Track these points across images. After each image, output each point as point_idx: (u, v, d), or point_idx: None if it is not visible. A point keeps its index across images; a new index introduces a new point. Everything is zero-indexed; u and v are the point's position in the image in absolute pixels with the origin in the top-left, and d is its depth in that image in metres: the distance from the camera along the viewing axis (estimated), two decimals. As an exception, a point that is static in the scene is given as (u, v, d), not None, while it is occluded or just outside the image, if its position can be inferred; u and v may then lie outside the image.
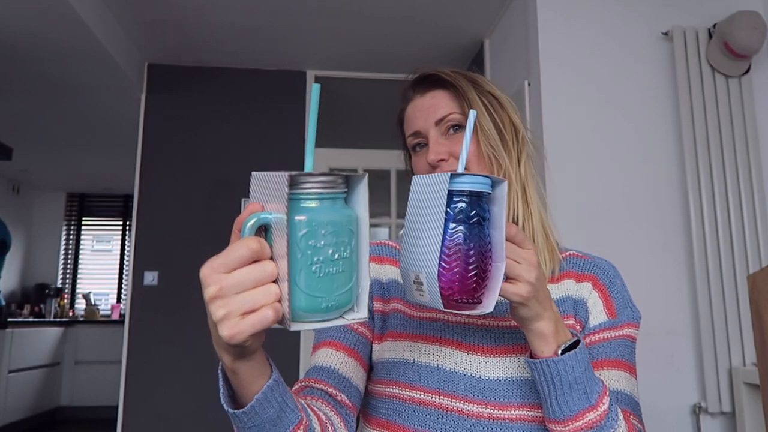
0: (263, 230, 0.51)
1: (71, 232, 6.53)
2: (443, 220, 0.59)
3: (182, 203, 3.53)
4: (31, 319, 5.43)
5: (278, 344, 2.19)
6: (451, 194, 0.60)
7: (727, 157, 2.35)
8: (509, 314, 0.78)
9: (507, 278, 0.64)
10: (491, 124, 0.85)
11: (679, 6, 2.52)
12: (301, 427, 0.63)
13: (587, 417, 0.67)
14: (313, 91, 0.53)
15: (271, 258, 0.49)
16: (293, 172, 0.49)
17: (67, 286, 6.38)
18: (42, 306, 5.84)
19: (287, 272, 0.47)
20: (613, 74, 2.45)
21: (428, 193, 0.61)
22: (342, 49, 3.46)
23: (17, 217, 5.90)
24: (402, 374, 0.80)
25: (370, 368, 0.87)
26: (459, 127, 0.86)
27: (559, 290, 0.86)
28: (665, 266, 2.34)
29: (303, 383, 0.81)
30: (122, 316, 5.19)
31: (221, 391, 0.59)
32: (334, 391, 0.78)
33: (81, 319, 5.83)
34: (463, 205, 0.60)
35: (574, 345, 0.68)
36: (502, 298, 0.65)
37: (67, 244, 6.48)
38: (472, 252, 0.60)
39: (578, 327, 0.85)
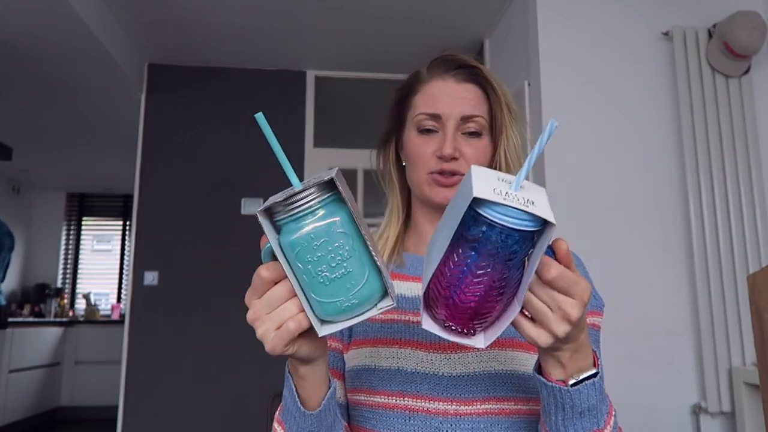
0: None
1: (71, 232, 6.52)
2: (452, 234, 0.52)
3: (182, 203, 3.53)
4: (31, 319, 5.42)
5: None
6: (482, 217, 0.51)
7: (727, 157, 2.35)
8: None
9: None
10: (513, 139, 0.85)
11: (679, 6, 2.52)
12: None
13: None
14: (260, 121, 0.55)
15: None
16: (263, 206, 0.53)
17: (67, 286, 6.38)
18: (42, 306, 5.84)
19: (298, 288, 0.54)
20: (613, 74, 2.45)
21: (461, 195, 0.53)
22: (342, 49, 3.46)
23: (17, 217, 5.90)
24: (365, 381, 0.80)
25: None
26: (478, 133, 0.84)
27: None
28: (665, 266, 2.34)
29: None
30: (122, 316, 5.19)
31: (293, 395, 0.65)
32: None
33: (81, 319, 5.83)
34: (489, 233, 0.51)
35: (593, 373, 0.61)
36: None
37: (67, 244, 6.48)
38: (480, 283, 0.53)
39: None
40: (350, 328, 0.85)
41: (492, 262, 0.52)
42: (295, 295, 0.55)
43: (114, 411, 3.39)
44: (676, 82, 2.41)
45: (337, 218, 0.53)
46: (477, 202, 0.50)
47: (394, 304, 0.55)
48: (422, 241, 0.90)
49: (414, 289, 0.85)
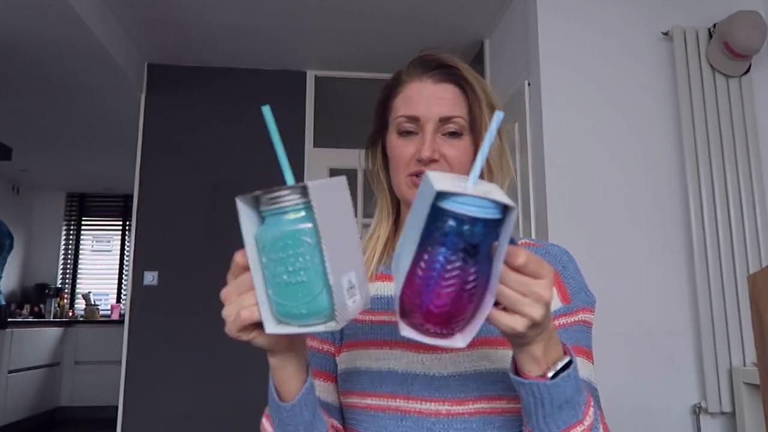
0: None
1: (71, 232, 6.52)
2: (418, 237, 0.52)
3: (182, 203, 3.53)
4: (31, 319, 5.42)
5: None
6: (446, 211, 0.51)
7: (727, 157, 2.35)
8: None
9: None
10: (495, 142, 0.84)
11: (679, 6, 2.52)
12: None
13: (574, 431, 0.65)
14: (265, 114, 0.55)
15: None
16: (248, 194, 0.54)
17: (67, 286, 6.38)
18: (42, 306, 5.84)
19: (258, 282, 0.56)
20: (613, 74, 2.45)
21: (421, 198, 0.53)
22: (342, 49, 3.46)
23: (17, 217, 5.90)
24: (357, 383, 0.80)
25: None
26: (458, 133, 0.83)
27: None
28: (665, 266, 2.34)
29: None
30: (122, 316, 5.18)
31: (270, 384, 0.68)
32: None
33: (81, 319, 5.83)
34: (455, 226, 0.51)
35: (567, 364, 0.62)
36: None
37: (67, 244, 6.48)
38: (452, 281, 0.52)
39: None
40: (341, 330, 0.84)
41: (462, 257, 0.52)
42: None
43: (114, 411, 3.39)
44: (676, 82, 2.41)
45: (308, 225, 0.53)
46: (439, 198, 0.51)
47: (338, 327, 0.55)
48: None
49: None
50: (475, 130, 0.83)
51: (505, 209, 0.52)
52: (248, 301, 0.57)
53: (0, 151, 4.09)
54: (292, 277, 0.53)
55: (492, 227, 0.52)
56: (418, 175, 0.82)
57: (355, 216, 0.88)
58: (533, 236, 2.42)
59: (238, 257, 0.58)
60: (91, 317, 5.84)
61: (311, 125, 3.69)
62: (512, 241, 0.55)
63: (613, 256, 2.31)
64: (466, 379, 0.76)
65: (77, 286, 6.43)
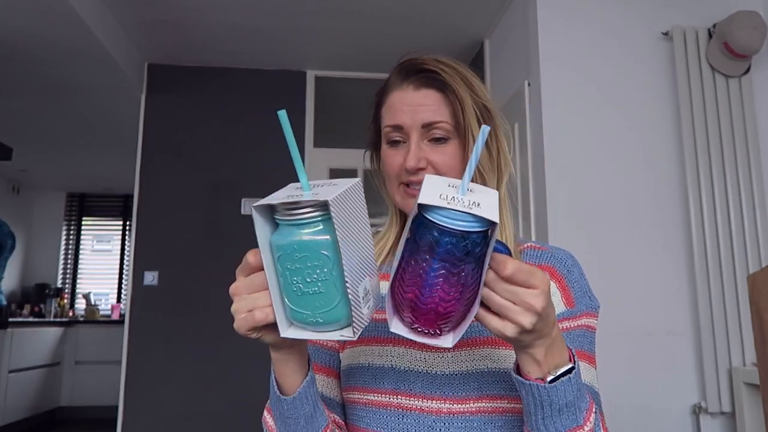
0: None
1: (71, 232, 6.53)
2: (404, 241, 0.55)
3: (182, 203, 3.53)
4: (31, 319, 5.42)
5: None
6: (430, 221, 0.53)
7: (727, 157, 2.35)
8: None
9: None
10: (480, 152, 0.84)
11: (679, 6, 2.52)
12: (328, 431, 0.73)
13: None
14: (281, 118, 0.54)
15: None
16: (263, 201, 0.54)
17: (67, 286, 6.38)
18: (42, 306, 5.84)
19: (272, 285, 0.56)
20: (613, 74, 2.45)
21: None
22: (342, 49, 3.46)
23: (17, 217, 5.90)
24: (359, 379, 0.81)
25: None
26: (443, 138, 0.81)
27: None
28: (665, 266, 2.34)
29: None
30: (122, 316, 5.19)
31: (272, 378, 0.69)
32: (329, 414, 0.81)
33: (81, 319, 5.83)
34: (438, 237, 0.53)
35: (570, 369, 0.63)
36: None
37: (67, 244, 6.48)
38: (437, 286, 0.54)
39: None
40: None
41: (446, 265, 0.53)
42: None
43: (114, 411, 3.39)
44: (676, 82, 2.41)
45: (326, 238, 0.53)
46: (424, 208, 0.53)
47: (354, 338, 0.56)
48: None
49: None
50: (460, 133, 0.82)
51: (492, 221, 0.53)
52: (262, 301, 0.57)
53: (0, 151, 4.09)
54: (308, 288, 0.54)
55: (479, 238, 0.54)
56: (408, 184, 0.82)
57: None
58: (533, 236, 2.42)
59: (250, 256, 0.58)
60: (92, 317, 5.84)
61: (311, 125, 3.69)
62: (506, 250, 0.58)
63: (613, 256, 2.31)
64: (467, 378, 0.76)
65: (77, 286, 6.43)
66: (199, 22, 3.14)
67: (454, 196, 0.53)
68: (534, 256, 0.85)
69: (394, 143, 0.84)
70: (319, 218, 0.53)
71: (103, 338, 5.52)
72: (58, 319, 5.64)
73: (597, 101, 2.42)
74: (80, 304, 6.20)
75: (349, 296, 0.53)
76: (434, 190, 0.54)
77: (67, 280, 6.41)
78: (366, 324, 0.57)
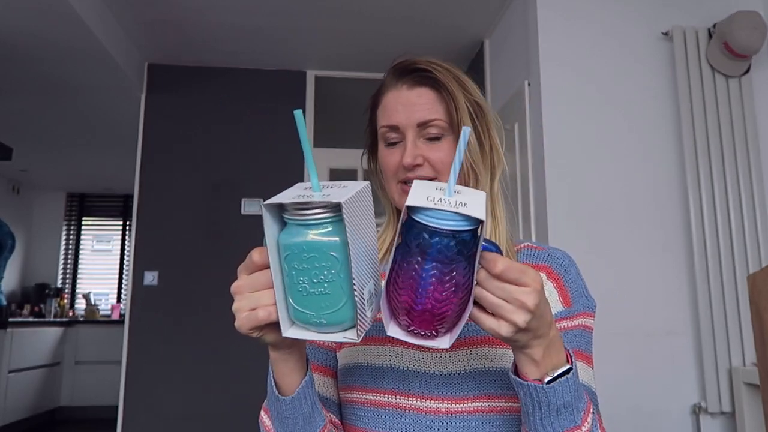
0: None
1: (71, 232, 6.53)
2: (395, 246, 0.56)
3: (182, 203, 3.53)
4: (31, 319, 5.42)
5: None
6: (419, 223, 0.54)
7: (727, 157, 2.35)
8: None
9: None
10: (475, 137, 0.84)
11: (679, 6, 2.52)
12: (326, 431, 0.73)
13: None
14: (297, 118, 0.54)
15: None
16: (273, 200, 0.53)
17: (67, 286, 6.38)
18: (42, 306, 5.84)
19: (277, 284, 0.56)
20: (613, 74, 2.45)
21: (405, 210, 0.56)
22: (342, 49, 3.46)
23: (17, 217, 5.90)
24: (357, 378, 0.81)
25: None
26: (437, 137, 0.83)
27: None
28: (665, 266, 2.34)
29: None
30: (122, 316, 5.19)
31: (270, 378, 0.69)
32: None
33: (81, 319, 5.83)
34: (428, 238, 0.54)
35: (567, 370, 0.63)
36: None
37: (67, 244, 6.48)
38: (430, 287, 0.55)
39: None
40: None
41: (437, 265, 0.54)
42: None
43: (114, 411, 3.39)
44: (676, 82, 2.41)
45: (336, 239, 0.53)
46: (413, 210, 0.54)
47: (358, 341, 0.56)
48: None
49: None
50: (455, 130, 0.83)
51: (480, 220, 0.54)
52: (265, 300, 0.57)
53: (0, 151, 4.09)
54: (314, 288, 0.54)
55: (467, 237, 0.54)
56: (406, 182, 0.83)
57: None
58: (533, 236, 2.42)
59: (255, 255, 0.57)
60: (92, 317, 5.84)
61: (311, 125, 3.69)
62: (496, 248, 0.59)
63: (613, 256, 2.31)
64: (465, 378, 0.77)
65: (77, 286, 6.43)
66: (199, 22, 3.14)
67: (441, 198, 0.54)
68: (531, 256, 0.85)
69: (390, 144, 0.85)
70: (330, 219, 0.52)
71: (103, 338, 5.52)
72: (58, 319, 5.63)
73: (597, 101, 2.42)
74: (80, 304, 6.20)
75: (356, 298, 0.54)
76: (422, 193, 0.54)
77: (67, 280, 6.41)
78: (369, 326, 0.57)
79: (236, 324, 0.58)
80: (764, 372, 1.24)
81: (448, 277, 0.55)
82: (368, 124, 0.92)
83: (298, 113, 0.54)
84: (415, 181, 0.58)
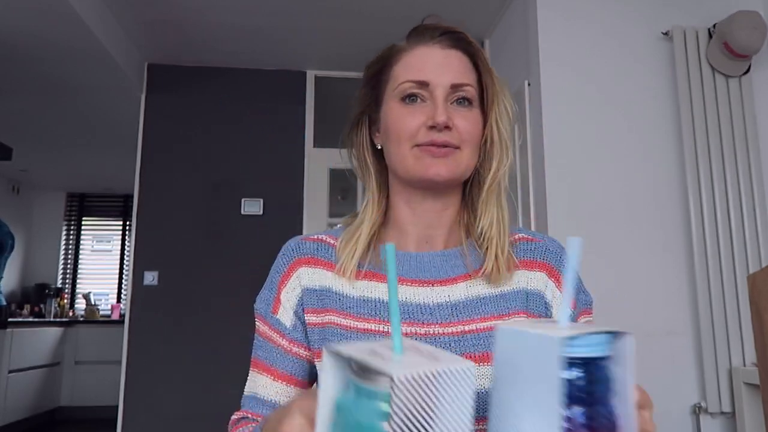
0: None
1: (71, 232, 6.52)
2: (556, 405, 0.41)
3: (182, 203, 3.53)
4: (31, 319, 5.42)
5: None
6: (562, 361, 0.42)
7: (727, 157, 2.35)
8: (457, 319, 0.74)
9: None
10: (505, 111, 0.79)
11: (679, 6, 2.52)
12: None
13: None
14: (389, 252, 0.45)
15: None
16: (338, 347, 0.42)
17: (67, 286, 6.38)
18: (42, 306, 5.83)
19: None
20: (613, 74, 2.45)
21: (527, 357, 0.43)
22: (342, 49, 3.46)
23: (17, 217, 5.90)
24: None
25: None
26: (468, 102, 0.77)
27: (510, 283, 0.78)
28: (665, 266, 2.34)
29: (243, 415, 0.80)
30: (122, 316, 5.18)
31: None
32: None
33: (81, 319, 5.83)
34: (581, 375, 0.43)
35: None
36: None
37: (67, 244, 6.47)
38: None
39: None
40: (320, 333, 0.77)
41: (595, 406, 0.44)
42: None
43: (114, 411, 3.39)
44: (676, 82, 2.41)
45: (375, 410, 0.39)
46: (559, 343, 0.41)
47: None
48: (403, 235, 0.81)
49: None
50: (486, 100, 0.78)
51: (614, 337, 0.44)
52: None
53: (0, 151, 4.09)
54: None
55: (602, 366, 0.46)
56: (431, 145, 0.75)
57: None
58: (533, 236, 2.42)
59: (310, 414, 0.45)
60: (92, 317, 5.83)
61: (311, 125, 3.68)
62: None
63: (613, 256, 2.31)
64: None
65: (77, 286, 6.43)
66: (199, 22, 3.14)
67: (569, 326, 0.42)
68: (528, 251, 0.80)
69: (410, 99, 0.76)
70: (387, 396, 0.37)
71: (103, 338, 5.52)
72: (58, 319, 5.63)
73: (597, 101, 2.42)
74: (80, 304, 6.20)
75: None
76: (543, 329, 0.42)
77: (67, 280, 6.41)
78: None
79: None
80: (764, 372, 1.24)
81: (607, 417, 0.46)
82: (367, 84, 0.83)
83: (389, 247, 0.44)
84: (501, 326, 0.47)
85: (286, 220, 3.47)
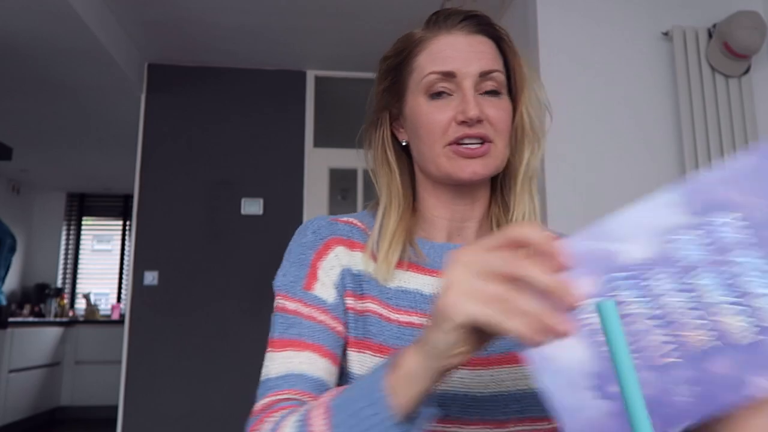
0: None
1: (71, 232, 6.53)
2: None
3: (182, 203, 3.53)
4: (31, 319, 5.42)
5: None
6: None
7: (727, 157, 2.35)
8: None
9: None
10: (535, 97, 0.74)
11: (679, 6, 2.52)
12: None
13: None
14: (608, 310, 0.38)
15: None
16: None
17: (67, 286, 6.38)
18: (42, 306, 5.84)
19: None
20: (613, 74, 2.45)
21: None
22: (342, 49, 3.46)
23: (17, 217, 5.90)
24: None
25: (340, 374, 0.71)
26: (498, 89, 0.72)
27: None
28: (665, 266, 2.34)
29: (287, 395, 0.64)
30: (122, 316, 5.19)
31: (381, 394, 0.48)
32: None
33: (81, 319, 5.83)
34: None
35: None
36: None
37: (67, 244, 6.48)
38: None
39: None
40: (360, 320, 0.70)
41: None
42: None
43: (114, 411, 3.39)
44: (676, 82, 2.41)
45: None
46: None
47: None
48: (435, 228, 0.77)
49: (436, 284, 0.71)
50: (514, 87, 0.74)
51: None
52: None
53: (0, 151, 4.09)
54: None
55: None
56: (463, 140, 0.69)
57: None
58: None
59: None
60: (92, 317, 5.84)
61: (311, 125, 3.69)
62: None
63: (613, 256, 2.30)
64: (507, 399, 0.67)
65: (77, 286, 6.43)
66: (199, 22, 3.14)
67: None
68: None
69: (438, 95, 0.71)
70: None
71: (103, 338, 5.53)
72: (58, 319, 5.64)
73: (597, 101, 2.42)
74: (80, 304, 6.20)
75: None
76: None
77: (67, 280, 6.41)
78: None
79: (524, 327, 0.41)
80: (764, 372, 1.24)
81: None
82: (386, 78, 0.77)
83: (609, 305, 0.36)
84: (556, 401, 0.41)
85: (286, 220, 3.47)
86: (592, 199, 2.35)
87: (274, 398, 0.64)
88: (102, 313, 6.03)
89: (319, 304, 0.71)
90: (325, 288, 0.71)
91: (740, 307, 0.40)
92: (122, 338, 3.39)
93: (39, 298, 5.95)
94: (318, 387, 0.65)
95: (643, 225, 0.44)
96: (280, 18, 3.09)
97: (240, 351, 3.24)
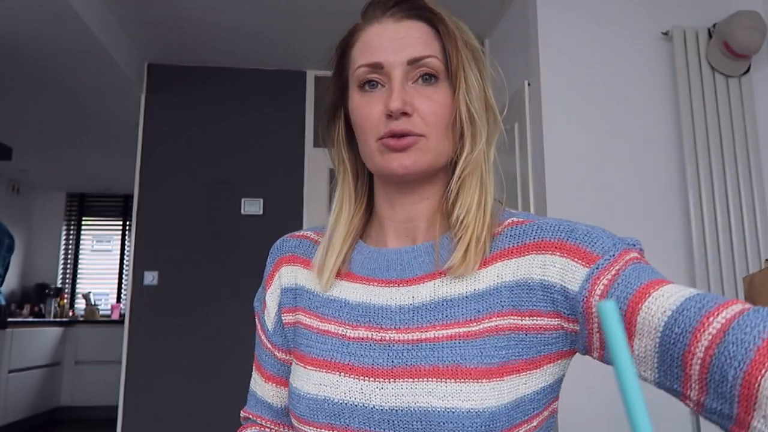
0: None
1: (71, 232, 6.53)
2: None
3: (182, 203, 3.53)
4: (31, 319, 5.42)
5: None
6: None
7: (727, 157, 2.35)
8: (417, 324, 0.65)
9: None
10: (475, 83, 0.69)
11: (679, 6, 2.52)
12: None
13: None
14: (607, 310, 0.32)
15: None
16: None
17: (67, 286, 6.38)
18: (42, 306, 5.84)
19: None
20: (613, 74, 2.45)
21: None
22: (342, 49, 3.46)
23: (17, 217, 5.90)
24: (296, 407, 0.68)
25: None
26: (434, 77, 0.67)
27: (488, 279, 0.65)
28: (665, 266, 2.31)
29: (246, 416, 0.86)
30: (122, 316, 5.19)
31: None
32: None
33: (81, 319, 5.83)
34: None
35: None
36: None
37: (67, 244, 6.48)
38: None
39: (526, 319, 0.63)
40: (292, 331, 0.76)
41: None
42: None
43: (114, 411, 3.39)
44: (676, 82, 2.41)
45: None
46: None
47: None
48: (383, 230, 0.73)
49: (360, 292, 0.70)
50: (450, 74, 0.68)
51: None
52: None
53: (0, 151, 4.09)
54: None
55: None
56: (390, 136, 0.65)
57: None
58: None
59: None
60: (91, 317, 5.84)
61: (311, 125, 3.68)
62: None
63: (613, 256, 2.30)
64: (409, 417, 0.61)
65: (77, 286, 6.43)
66: (199, 22, 3.14)
67: None
68: (517, 235, 0.66)
69: (369, 86, 0.68)
70: None
71: (103, 338, 5.53)
72: (58, 319, 5.64)
73: (597, 101, 2.42)
74: (80, 304, 6.20)
75: None
76: None
77: (67, 280, 6.41)
78: None
79: None
80: (764, 372, 1.24)
81: None
82: (333, 77, 0.75)
83: (608, 306, 0.31)
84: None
85: (286, 220, 3.47)
86: (592, 200, 2.35)
87: (245, 414, 0.87)
88: (102, 313, 6.03)
89: (265, 329, 0.79)
90: (269, 314, 0.79)
91: None
92: (122, 338, 3.39)
93: (39, 298, 5.95)
94: (268, 408, 0.82)
95: None
96: (280, 18, 3.09)
97: (240, 351, 3.24)
